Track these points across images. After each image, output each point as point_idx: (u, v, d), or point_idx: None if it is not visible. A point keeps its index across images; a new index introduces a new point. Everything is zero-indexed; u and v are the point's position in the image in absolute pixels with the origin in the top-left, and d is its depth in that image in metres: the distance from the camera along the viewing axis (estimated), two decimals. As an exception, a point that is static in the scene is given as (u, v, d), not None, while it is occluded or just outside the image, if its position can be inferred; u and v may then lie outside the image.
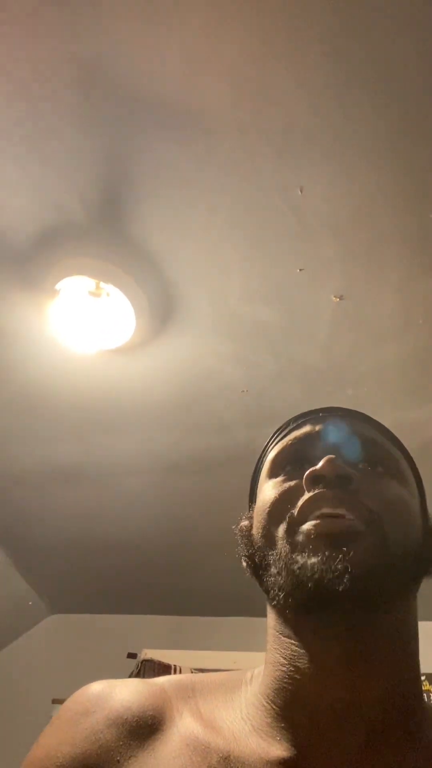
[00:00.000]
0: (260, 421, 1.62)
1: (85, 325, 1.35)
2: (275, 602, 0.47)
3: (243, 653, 2.21)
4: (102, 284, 1.30)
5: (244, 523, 0.56)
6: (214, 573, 2.10)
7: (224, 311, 1.38)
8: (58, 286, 1.30)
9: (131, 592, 2.36)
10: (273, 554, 0.48)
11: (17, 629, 2.53)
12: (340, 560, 0.43)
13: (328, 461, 0.48)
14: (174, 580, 2.25)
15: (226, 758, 0.43)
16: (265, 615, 0.52)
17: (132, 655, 2.27)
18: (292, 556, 0.46)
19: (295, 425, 0.58)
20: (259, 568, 0.50)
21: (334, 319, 1.36)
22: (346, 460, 0.51)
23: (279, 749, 0.44)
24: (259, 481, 0.58)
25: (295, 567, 0.45)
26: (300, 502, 0.49)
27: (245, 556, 0.53)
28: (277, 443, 0.58)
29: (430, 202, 1.13)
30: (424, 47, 0.95)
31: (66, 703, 0.53)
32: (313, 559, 0.44)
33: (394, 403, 1.50)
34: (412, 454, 0.60)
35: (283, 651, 0.48)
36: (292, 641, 0.47)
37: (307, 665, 0.46)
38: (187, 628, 2.36)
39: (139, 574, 2.26)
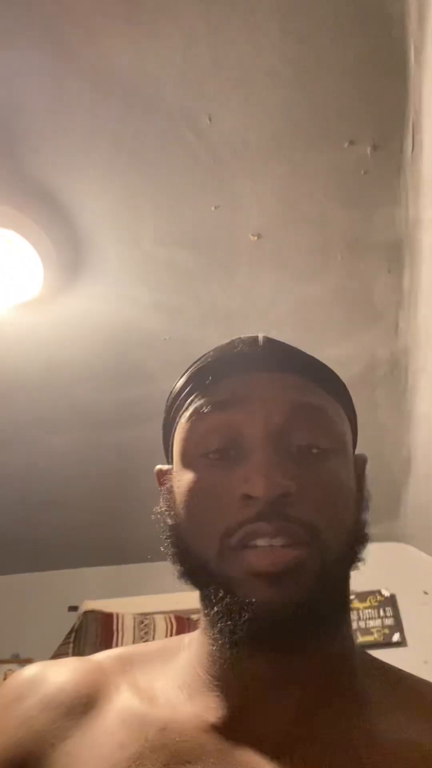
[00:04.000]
0: (185, 368, 1.59)
1: (-12, 278, 1.24)
2: (213, 636, 0.45)
3: (184, 593, 2.27)
4: (1, 231, 1.18)
5: (162, 507, 0.50)
6: (148, 520, 2.11)
7: (138, 255, 1.30)
8: None
9: (67, 547, 2.34)
10: (209, 580, 0.45)
11: None
12: (277, 603, 0.41)
13: (264, 484, 0.43)
14: (109, 531, 2.25)
15: (163, 729, 0.43)
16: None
17: (73, 608, 2.28)
18: (228, 595, 0.43)
19: (214, 375, 0.50)
20: (191, 575, 0.47)
21: (252, 259, 1.32)
22: (282, 444, 0.46)
23: (214, 716, 0.44)
24: (175, 441, 0.51)
25: (234, 610, 0.42)
26: (233, 523, 0.44)
27: (172, 554, 0.48)
28: (195, 397, 0.51)
29: (345, 132, 1.10)
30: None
31: (3, 691, 0.51)
32: (252, 593, 0.42)
33: (317, 340, 1.51)
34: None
35: (214, 630, 0.46)
36: None
37: (240, 651, 0.45)
38: (126, 576, 2.39)
39: (73, 529, 2.24)
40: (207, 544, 0.45)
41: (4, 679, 2.19)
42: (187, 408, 0.51)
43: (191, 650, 0.50)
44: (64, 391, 1.66)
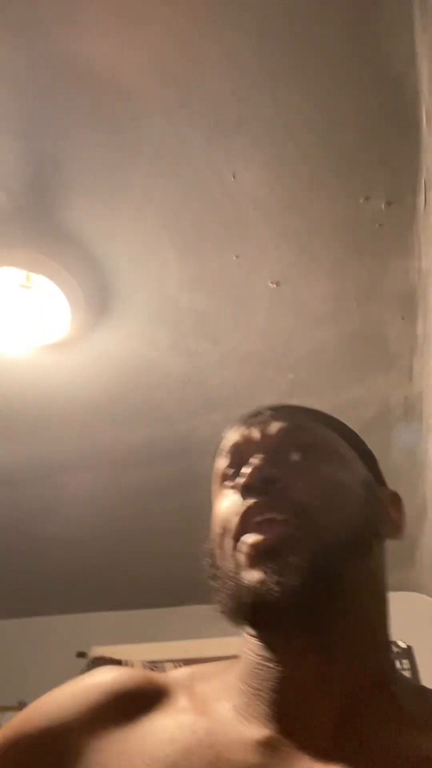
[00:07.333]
0: (203, 410, 1.62)
1: (18, 320, 1.29)
2: (225, 617, 0.49)
3: (194, 641, 2.22)
4: (33, 276, 1.25)
5: (208, 546, 0.56)
6: (159, 564, 2.10)
7: (161, 300, 1.36)
8: (-14, 278, 1.24)
9: (76, 590, 2.31)
10: (222, 573, 0.50)
11: (-42, 640, 2.42)
12: (271, 573, 0.46)
13: (251, 471, 0.51)
14: (120, 574, 2.23)
15: (211, 732, 0.45)
16: (212, 602, 0.53)
17: (81, 654, 2.24)
18: (235, 577, 0.48)
19: (229, 432, 0.60)
20: (221, 589, 0.51)
21: (271, 305, 1.37)
22: (274, 458, 0.53)
23: (257, 730, 0.45)
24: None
25: (235, 587, 0.48)
26: (237, 519, 0.51)
27: (210, 578, 0.53)
28: (219, 455, 0.60)
29: (361, 188, 1.16)
30: (352, 32, 0.97)
31: (78, 678, 0.55)
32: (248, 577, 0.47)
33: (333, 384, 1.54)
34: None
35: (250, 644, 0.50)
36: (256, 638, 0.50)
37: (272, 655, 0.48)
38: (135, 621, 2.35)
39: (83, 572, 2.22)
40: (225, 548, 0.51)
41: (9, 727, 2.14)
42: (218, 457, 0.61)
43: (238, 667, 0.52)
44: (83, 430, 1.69)
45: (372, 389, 1.53)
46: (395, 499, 0.58)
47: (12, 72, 1.00)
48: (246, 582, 0.46)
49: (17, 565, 2.19)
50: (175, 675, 0.55)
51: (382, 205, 1.18)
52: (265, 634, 0.49)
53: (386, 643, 0.52)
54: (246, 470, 0.51)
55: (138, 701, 0.50)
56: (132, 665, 2.11)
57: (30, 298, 1.26)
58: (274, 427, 0.56)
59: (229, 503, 0.53)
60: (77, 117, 1.07)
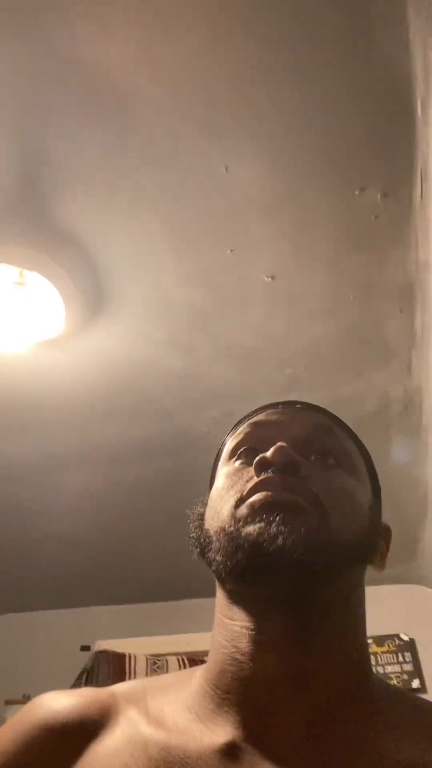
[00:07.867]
0: (201, 405, 1.62)
1: (12, 318, 1.29)
2: (216, 569, 0.48)
3: (197, 635, 2.23)
4: (26, 272, 1.24)
5: (199, 509, 0.56)
6: (163, 558, 2.10)
7: (157, 296, 1.35)
8: (-21, 276, 1.23)
9: (79, 585, 2.32)
10: (217, 529, 0.49)
11: (-36, 634, 2.44)
12: (276, 524, 0.45)
13: (278, 449, 0.49)
14: (123, 568, 2.24)
15: (165, 748, 0.43)
16: (215, 594, 0.52)
17: (85, 648, 2.25)
18: (235, 527, 0.47)
19: (252, 414, 0.59)
20: (204, 547, 0.51)
21: (267, 299, 1.36)
22: (298, 449, 0.51)
23: (222, 735, 0.43)
24: (217, 469, 0.59)
25: (235, 534, 0.46)
26: (249, 486, 0.50)
27: (193, 538, 0.53)
28: (234, 433, 0.58)
29: (357, 180, 1.14)
30: (346, 21, 0.95)
31: (14, 716, 0.53)
32: (252, 526, 0.46)
33: (331, 378, 1.53)
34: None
35: (225, 633, 0.48)
36: (235, 622, 0.48)
37: (247, 644, 0.46)
38: (139, 615, 2.36)
39: (87, 566, 2.23)
40: (225, 506, 0.50)
41: (14, 720, 2.15)
42: (231, 437, 0.59)
43: (202, 671, 0.50)
44: (81, 426, 1.69)
45: (371, 383, 1.52)
46: (387, 533, 0.58)
47: (3, 69, 0.99)
48: (244, 533, 0.45)
49: (21, 560, 2.21)
50: (123, 688, 0.53)
51: (378, 197, 1.16)
52: (250, 595, 0.47)
53: (362, 649, 0.51)
54: (270, 450, 0.49)
55: (84, 728, 0.47)
56: (135, 659, 2.12)
57: (24, 295, 1.26)
58: (305, 420, 0.55)
59: (237, 474, 0.52)
60: (69, 112, 1.05)
